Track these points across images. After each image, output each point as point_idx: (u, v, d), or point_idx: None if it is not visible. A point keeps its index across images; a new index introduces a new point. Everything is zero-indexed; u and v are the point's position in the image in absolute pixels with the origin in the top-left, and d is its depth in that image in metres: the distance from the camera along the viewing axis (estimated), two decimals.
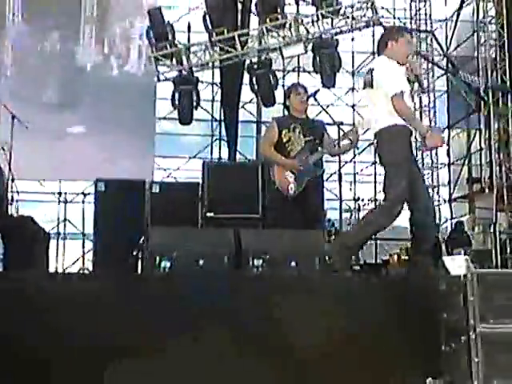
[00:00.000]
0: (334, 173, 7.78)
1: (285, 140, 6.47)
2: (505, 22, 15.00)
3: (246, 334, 3.89)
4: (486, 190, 15.67)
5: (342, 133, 6.31)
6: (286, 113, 6.90)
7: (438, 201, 18.91)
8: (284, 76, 18.25)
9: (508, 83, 14.50)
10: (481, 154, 17.71)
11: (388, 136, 5.23)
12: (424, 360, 3.91)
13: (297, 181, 6.36)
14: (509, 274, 3.84)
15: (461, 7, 17.47)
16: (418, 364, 3.91)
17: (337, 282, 4.69)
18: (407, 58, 5.50)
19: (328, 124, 6.74)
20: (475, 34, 16.73)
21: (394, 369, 3.92)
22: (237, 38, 12.82)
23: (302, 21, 13.06)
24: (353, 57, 19.80)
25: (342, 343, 3.98)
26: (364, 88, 5.52)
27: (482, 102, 15.41)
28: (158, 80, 13.43)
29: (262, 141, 6.92)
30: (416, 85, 6.05)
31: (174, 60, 13.01)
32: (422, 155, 19.02)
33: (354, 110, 19.44)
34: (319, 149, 6.48)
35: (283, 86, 18.51)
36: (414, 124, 5.22)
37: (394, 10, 18.58)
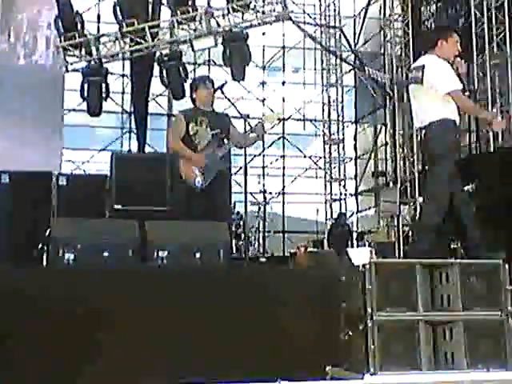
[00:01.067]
0: (241, 167, 7.85)
1: (192, 133, 6.49)
2: (410, 20, 15.41)
3: (150, 324, 3.91)
4: (391, 184, 16.08)
5: (248, 126, 6.39)
6: (193, 106, 6.89)
7: (345, 194, 19.27)
8: (195, 69, 18.25)
9: None
10: (386, 149, 18.15)
11: (439, 129, 5.47)
12: (325, 348, 4.01)
13: (204, 174, 6.39)
14: (405, 263, 3.98)
15: (368, 4, 17.86)
16: (320, 352, 4.01)
17: (242, 273, 4.77)
18: (454, 57, 5.65)
19: (235, 117, 6.80)
20: (382, 31, 17.13)
21: (296, 357, 4.01)
22: (147, 30, 12.74)
23: (213, 14, 13.08)
24: (263, 51, 19.96)
25: (247, 333, 4.05)
26: (410, 83, 5.74)
27: (388, 98, 15.81)
28: (67, 71, 13.22)
29: (169, 134, 6.90)
30: None
31: (82, 50, 12.82)
32: (330, 149, 19.37)
33: (263, 103, 19.60)
34: (226, 141, 6.53)
35: (194, 79, 18.51)
36: (480, 113, 5.50)
37: (304, 5, 18.80)
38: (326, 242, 15.28)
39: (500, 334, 3.69)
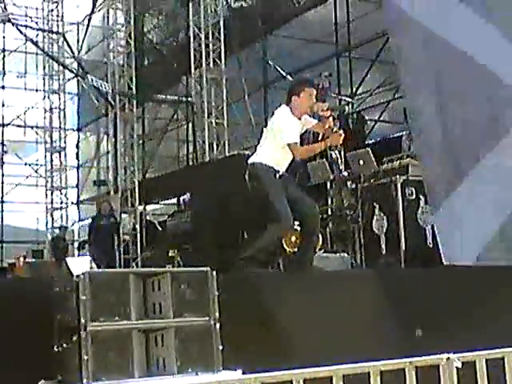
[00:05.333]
0: None
1: None
2: (132, 31, 15.58)
3: None
4: (112, 193, 16.06)
5: None
6: None
7: (66, 203, 18.92)
8: None
9: (134, 90, 15.05)
10: (108, 157, 18.13)
11: None
12: (38, 361, 3.94)
13: None
14: (118, 273, 4.05)
15: (92, 12, 17.75)
16: (32, 365, 3.94)
17: None
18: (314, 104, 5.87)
19: None
20: (105, 39, 17.11)
21: (10, 371, 3.91)
22: None
23: None
24: None
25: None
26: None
27: (110, 107, 15.83)
28: None
29: None
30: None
31: None
32: (52, 157, 18.99)
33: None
34: None
35: None
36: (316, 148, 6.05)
37: (26, 7, 18.23)
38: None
39: (208, 339, 3.87)
